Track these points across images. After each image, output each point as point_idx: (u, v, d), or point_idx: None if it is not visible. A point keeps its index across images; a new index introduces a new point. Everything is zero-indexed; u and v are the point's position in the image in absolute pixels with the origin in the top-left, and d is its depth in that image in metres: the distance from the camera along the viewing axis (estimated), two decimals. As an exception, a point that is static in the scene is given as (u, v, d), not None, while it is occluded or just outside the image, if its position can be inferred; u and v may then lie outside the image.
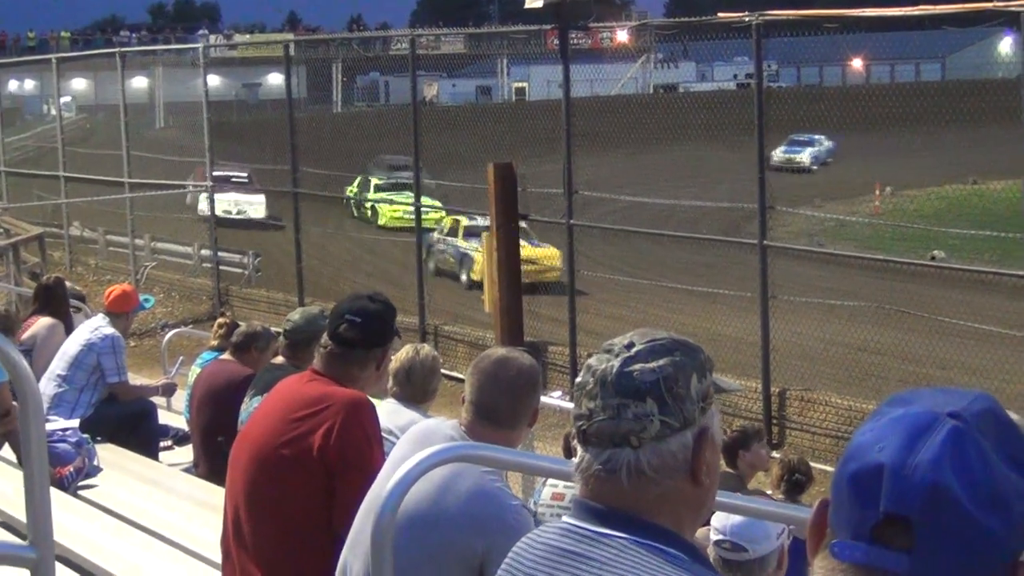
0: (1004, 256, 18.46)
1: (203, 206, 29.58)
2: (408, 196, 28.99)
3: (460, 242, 29.35)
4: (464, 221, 28.88)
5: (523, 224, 25.84)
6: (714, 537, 4.56)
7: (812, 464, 8.95)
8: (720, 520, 4.54)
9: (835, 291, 21.73)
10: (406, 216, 28.54)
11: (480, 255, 24.09)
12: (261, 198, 34.00)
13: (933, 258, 23.25)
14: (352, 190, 35.06)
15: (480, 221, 25.93)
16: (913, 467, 1.68)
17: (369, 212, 35.75)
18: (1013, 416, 1.79)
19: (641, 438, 2.47)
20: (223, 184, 31.47)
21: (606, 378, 2.51)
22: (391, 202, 32.22)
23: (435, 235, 29.30)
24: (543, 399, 5.82)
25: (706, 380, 2.55)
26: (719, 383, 2.62)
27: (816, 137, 46.16)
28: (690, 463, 2.50)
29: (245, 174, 33.51)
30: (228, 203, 32.71)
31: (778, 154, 42.95)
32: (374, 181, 35.41)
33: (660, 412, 2.48)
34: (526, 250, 24.61)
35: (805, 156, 46.00)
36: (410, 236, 24.39)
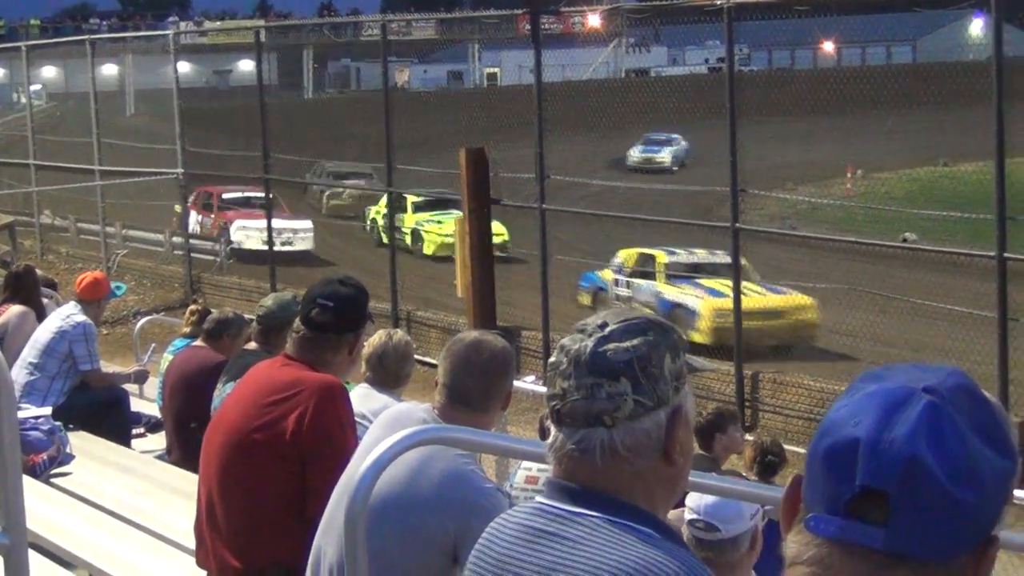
0: (975, 237, 18.49)
1: (236, 237, 28.00)
2: (456, 214, 24.72)
3: (661, 287, 21.54)
4: (662, 257, 22.04)
5: (743, 262, 21.13)
6: (688, 517, 4.56)
7: (785, 446, 8.96)
8: (694, 500, 4.55)
9: (808, 273, 21.80)
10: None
11: (701, 302, 20.32)
12: (308, 224, 28.77)
13: (905, 240, 23.31)
14: (378, 211, 29.29)
15: (681, 255, 21.99)
16: (889, 441, 1.68)
17: (409, 238, 28.99)
18: (987, 394, 1.79)
19: (615, 418, 2.47)
20: (237, 207, 29.69)
21: (580, 358, 2.50)
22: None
23: (607, 272, 22.54)
24: (516, 383, 5.81)
25: (679, 359, 2.55)
26: (691, 362, 2.62)
27: (673, 136, 43.15)
28: (663, 442, 2.50)
29: (269, 195, 29.21)
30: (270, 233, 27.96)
31: (635, 154, 41.90)
32: (410, 199, 28.79)
33: (634, 392, 2.48)
34: (767, 299, 20.19)
35: (666, 155, 43.16)
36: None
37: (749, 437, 10.55)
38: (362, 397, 6.28)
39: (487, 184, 17.13)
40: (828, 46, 49.09)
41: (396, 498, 4.11)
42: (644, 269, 21.83)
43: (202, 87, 52.59)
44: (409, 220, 29.11)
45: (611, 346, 2.50)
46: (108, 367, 12.73)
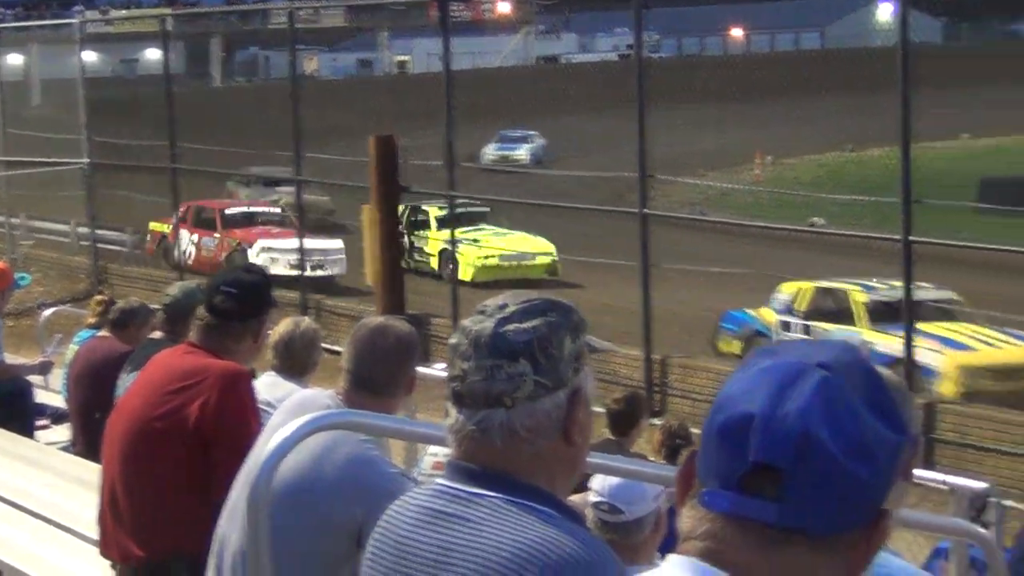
0: (881, 221, 18.69)
1: (259, 260, 23.83)
2: (491, 231, 23.50)
3: (867, 334, 16.91)
4: (859, 295, 17.56)
5: (954, 295, 17.69)
6: (592, 499, 4.56)
7: (693, 430, 9.00)
8: (599, 483, 4.55)
9: (718, 259, 21.97)
10: (504, 263, 21.38)
11: (943, 359, 15.97)
12: (339, 244, 24.50)
13: (812, 225, 23.53)
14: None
15: (882, 290, 17.50)
16: (783, 416, 1.68)
17: (436, 260, 24.55)
18: (880, 369, 1.79)
19: (514, 398, 2.47)
20: (245, 222, 26.97)
21: (480, 339, 2.50)
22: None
23: (767, 312, 18.17)
24: (427, 370, 5.80)
25: (579, 340, 2.55)
26: (592, 343, 2.62)
27: (530, 133, 42.09)
28: (563, 423, 2.50)
29: (278, 209, 27.29)
30: (298, 256, 23.05)
31: (490, 152, 41.27)
32: (433, 212, 24.69)
33: (534, 372, 2.47)
34: (996, 354, 15.99)
35: (523, 153, 41.75)
36: (500, 289, 20.15)
37: (657, 422, 10.59)
38: (268, 385, 6.24)
39: (396, 172, 17.11)
40: (737, 32, 49.41)
41: (300, 483, 4.09)
42: (828, 308, 17.69)
43: (109, 76, 52.15)
44: (435, 239, 24.64)
45: (511, 327, 2.49)
46: (13, 359, 12.59)
